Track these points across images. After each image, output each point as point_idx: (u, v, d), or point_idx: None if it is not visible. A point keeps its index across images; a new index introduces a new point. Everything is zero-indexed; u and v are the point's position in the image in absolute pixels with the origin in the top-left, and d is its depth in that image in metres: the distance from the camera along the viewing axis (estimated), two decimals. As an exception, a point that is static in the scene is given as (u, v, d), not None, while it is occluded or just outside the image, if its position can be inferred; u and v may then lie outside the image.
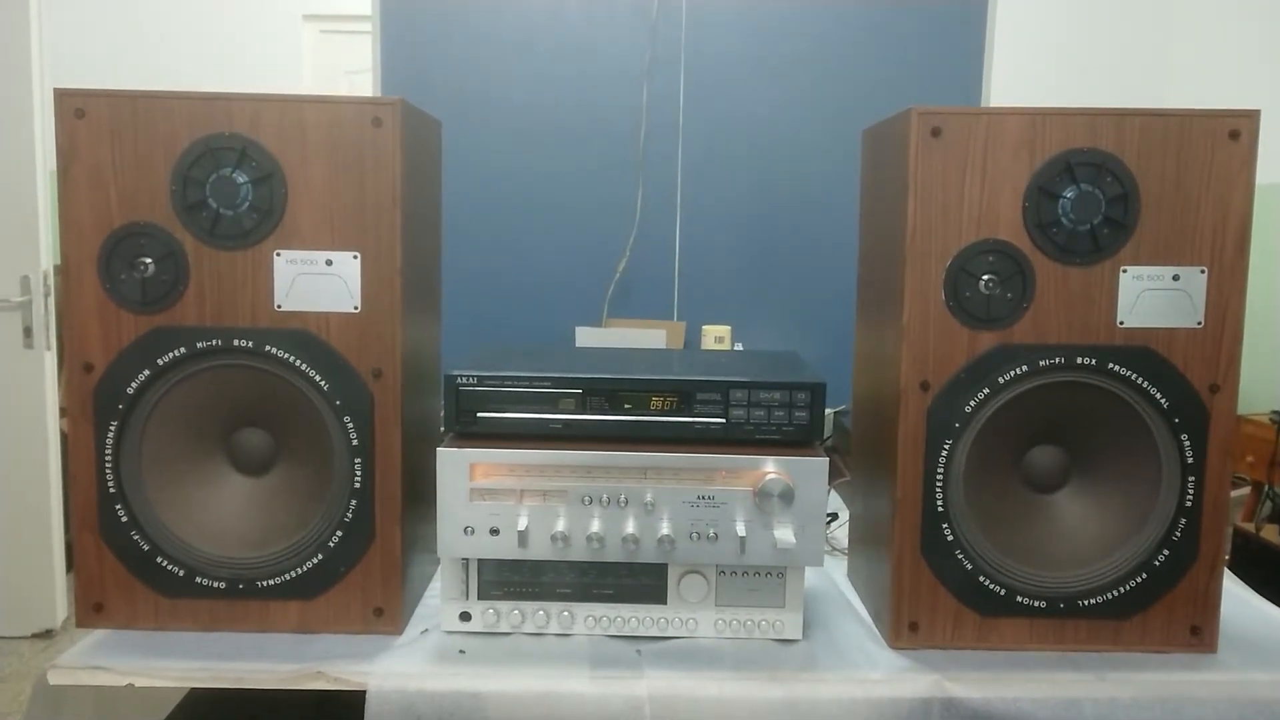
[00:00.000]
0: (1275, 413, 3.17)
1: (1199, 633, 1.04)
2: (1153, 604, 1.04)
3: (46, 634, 2.99)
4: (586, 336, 2.22)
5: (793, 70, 2.28)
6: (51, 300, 2.92)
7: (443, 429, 1.08)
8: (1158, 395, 1.01)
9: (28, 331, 2.89)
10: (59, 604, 3.00)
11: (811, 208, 2.29)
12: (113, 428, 1.02)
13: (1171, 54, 4.22)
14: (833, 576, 1.25)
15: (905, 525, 1.03)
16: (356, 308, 1.02)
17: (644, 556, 1.03)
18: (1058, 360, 1.01)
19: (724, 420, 1.05)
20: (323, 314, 1.02)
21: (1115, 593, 1.04)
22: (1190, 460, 1.02)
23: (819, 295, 2.29)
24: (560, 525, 1.02)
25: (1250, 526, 3.02)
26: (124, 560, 1.04)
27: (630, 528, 1.02)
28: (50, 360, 2.95)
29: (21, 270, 2.87)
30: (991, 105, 2.13)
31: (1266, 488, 3.19)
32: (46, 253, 2.91)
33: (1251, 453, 3.23)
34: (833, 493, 1.51)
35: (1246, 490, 3.31)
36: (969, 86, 2.23)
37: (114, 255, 1.01)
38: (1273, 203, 3.54)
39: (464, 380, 1.05)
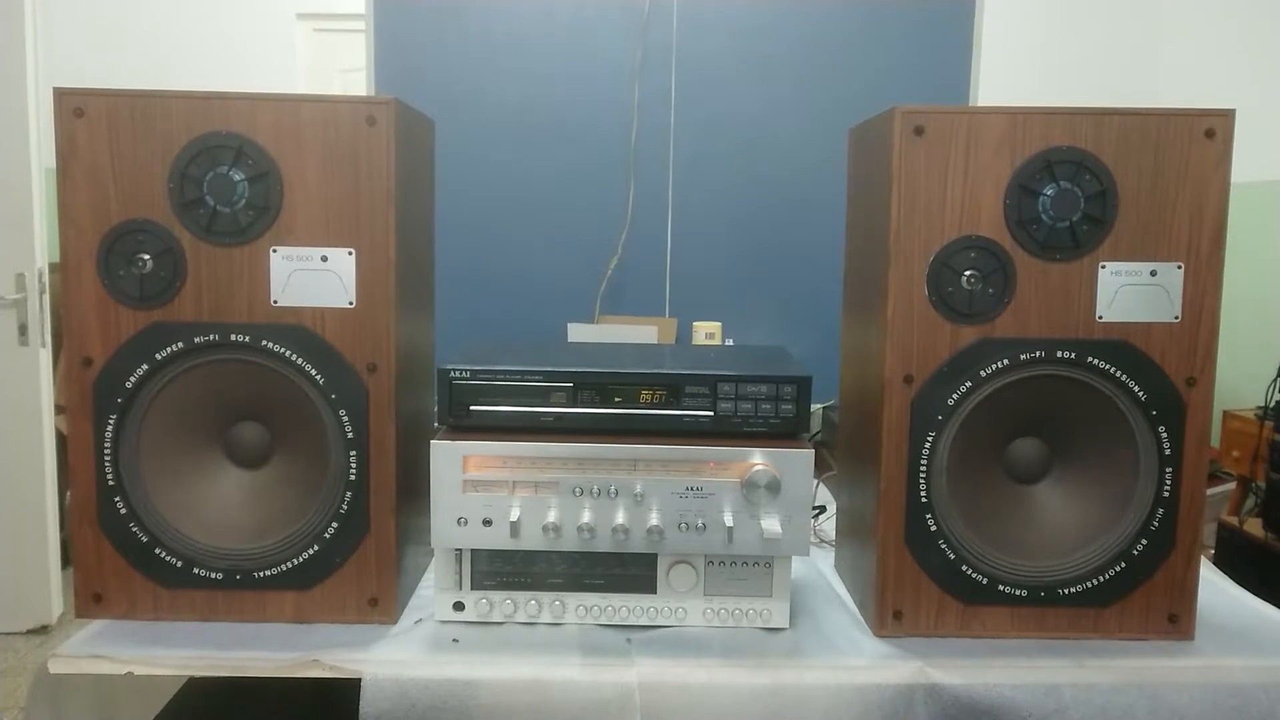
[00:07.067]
0: (1260, 408, 3.19)
1: (1176, 620, 1.07)
2: (1131, 592, 1.06)
3: (42, 629, 3.00)
4: (578, 333, 2.24)
5: (783, 69, 2.30)
6: (46, 298, 2.93)
7: (436, 422, 1.09)
8: (1136, 388, 1.03)
9: (23, 329, 2.90)
10: (54, 600, 3.01)
11: (801, 205, 2.31)
12: (111, 421, 1.04)
13: (1157, 54, 4.25)
14: (820, 568, 1.27)
15: (889, 516, 1.05)
16: (351, 303, 1.04)
17: (634, 547, 1.05)
18: (1038, 354, 1.03)
19: (712, 413, 1.07)
20: (318, 309, 1.04)
21: (1095, 581, 1.06)
22: (1168, 452, 1.04)
23: (808, 291, 2.31)
24: (552, 516, 1.04)
25: (1235, 520, 3.04)
26: (123, 551, 1.06)
27: (620, 518, 1.04)
28: (45, 357, 2.96)
29: (17, 268, 2.88)
30: (978, 104, 2.15)
31: (1251, 482, 3.21)
32: (41, 250, 2.92)
33: (1237, 447, 3.26)
34: (821, 486, 1.53)
35: (1232, 485, 3.34)
36: (957, 85, 2.25)
37: (113, 252, 1.03)
38: (1259, 200, 3.58)
39: (457, 374, 1.07)
